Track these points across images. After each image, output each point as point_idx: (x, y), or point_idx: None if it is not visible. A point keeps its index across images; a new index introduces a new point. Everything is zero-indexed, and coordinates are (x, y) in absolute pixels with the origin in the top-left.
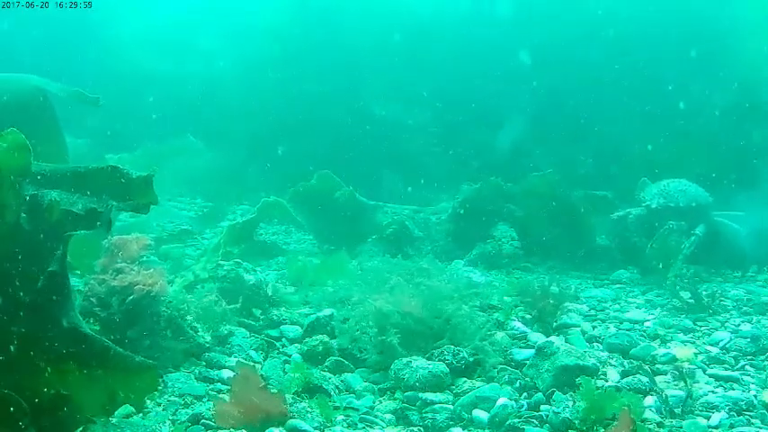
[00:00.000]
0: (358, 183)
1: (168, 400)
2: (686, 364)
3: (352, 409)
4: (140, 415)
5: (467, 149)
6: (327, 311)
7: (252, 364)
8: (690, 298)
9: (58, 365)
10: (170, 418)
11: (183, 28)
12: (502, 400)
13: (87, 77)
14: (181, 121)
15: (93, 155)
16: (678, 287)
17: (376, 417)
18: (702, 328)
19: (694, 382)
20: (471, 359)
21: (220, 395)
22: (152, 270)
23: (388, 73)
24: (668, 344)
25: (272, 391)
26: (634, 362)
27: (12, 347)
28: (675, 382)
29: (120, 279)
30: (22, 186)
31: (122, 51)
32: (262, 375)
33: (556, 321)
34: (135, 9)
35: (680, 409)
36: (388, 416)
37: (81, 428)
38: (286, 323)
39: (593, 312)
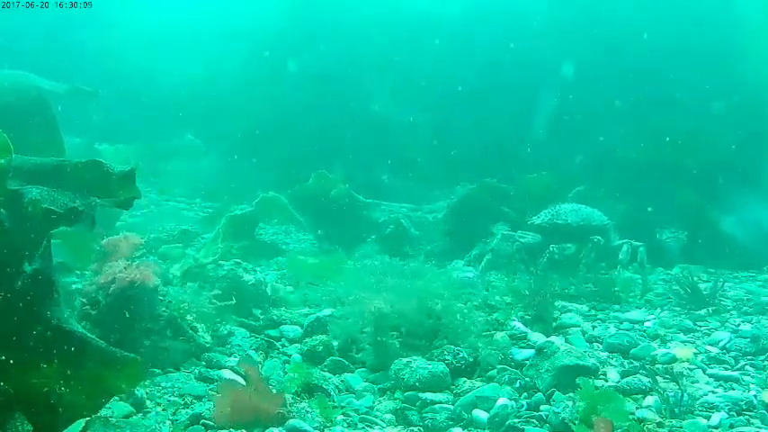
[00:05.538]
0: (358, 181)
1: (168, 401)
2: (685, 364)
3: (352, 409)
4: (140, 415)
5: (466, 149)
6: (327, 311)
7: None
8: (689, 293)
9: (42, 361)
10: (170, 418)
11: (185, 29)
12: (502, 401)
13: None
14: (182, 120)
15: (89, 152)
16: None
17: (376, 417)
18: (702, 328)
19: (694, 382)
20: (471, 359)
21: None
22: (138, 263)
23: (388, 74)
24: (668, 344)
25: (272, 390)
26: (634, 362)
27: None
28: (675, 382)
29: (106, 275)
30: (1, 184)
31: (126, 51)
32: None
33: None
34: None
35: (680, 409)
36: (388, 416)
37: (82, 427)
38: (286, 323)
39: (593, 312)
